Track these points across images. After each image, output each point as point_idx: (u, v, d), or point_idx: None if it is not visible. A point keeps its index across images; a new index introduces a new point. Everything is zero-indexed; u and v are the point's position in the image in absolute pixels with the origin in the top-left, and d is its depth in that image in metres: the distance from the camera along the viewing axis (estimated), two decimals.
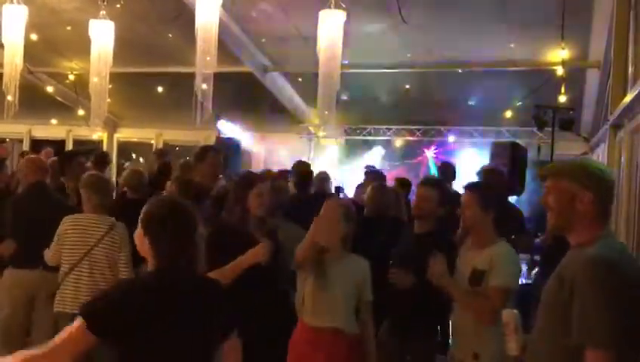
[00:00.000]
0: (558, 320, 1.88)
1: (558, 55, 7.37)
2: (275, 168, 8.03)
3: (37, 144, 10.32)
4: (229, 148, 9.34)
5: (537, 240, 5.80)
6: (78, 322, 1.90)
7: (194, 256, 2.12)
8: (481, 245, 3.20)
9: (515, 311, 2.26)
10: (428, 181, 3.89)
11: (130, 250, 3.77)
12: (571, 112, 7.48)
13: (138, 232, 2.14)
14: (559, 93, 7.55)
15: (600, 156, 7.78)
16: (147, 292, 2.02)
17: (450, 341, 3.56)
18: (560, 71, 7.48)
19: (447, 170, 6.35)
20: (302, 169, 5.91)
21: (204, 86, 6.21)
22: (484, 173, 5.13)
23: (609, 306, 1.77)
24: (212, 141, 9.62)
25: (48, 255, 3.99)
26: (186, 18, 6.55)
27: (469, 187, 3.38)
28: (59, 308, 3.87)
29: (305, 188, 5.64)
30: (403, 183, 6.46)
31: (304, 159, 7.30)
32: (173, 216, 2.09)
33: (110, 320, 1.93)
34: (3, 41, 7.01)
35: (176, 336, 2.00)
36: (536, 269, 6.24)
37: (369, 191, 4.69)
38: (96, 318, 1.91)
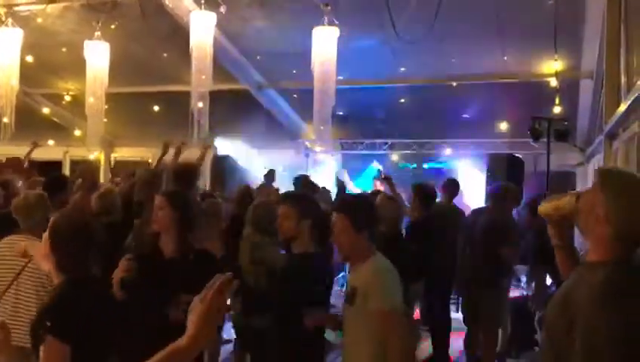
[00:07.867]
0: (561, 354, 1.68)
1: (551, 67, 7.42)
2: (275, 185, 8.03)
3: (34, 166, 10.26)
4: (225, 166, 9.35)
5: None
6: None
7: None
8: (356, 262, 2.89)
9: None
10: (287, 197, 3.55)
11: None
12: (566, 123, 7.50)
13: None
14: (554, 104, 7.58)
15: (596, 166, 7.79)
16: None
17: None
18: (554, 82, 7.52)
19: (451, 187, 6.27)
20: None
21: (200, 104, 6.25)
22: (504, 190, 5.13)
23: (617, 342, 1.55)
24: (209, 158, 9.61)
25: None
26: (180, 38, 6.58)
27: (339, 209, 2.88)
28: None
29: None
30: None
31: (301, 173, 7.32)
32: None
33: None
34: None
35: None
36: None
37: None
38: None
